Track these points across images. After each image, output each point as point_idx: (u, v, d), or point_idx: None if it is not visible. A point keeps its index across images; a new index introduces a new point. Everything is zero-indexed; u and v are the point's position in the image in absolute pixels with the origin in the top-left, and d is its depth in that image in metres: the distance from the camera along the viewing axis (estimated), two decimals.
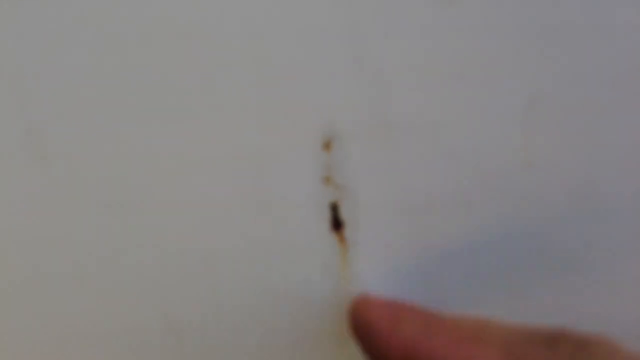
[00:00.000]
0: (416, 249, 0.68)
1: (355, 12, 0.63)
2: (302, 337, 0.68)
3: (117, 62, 0.62)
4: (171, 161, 0.64)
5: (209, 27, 0.63)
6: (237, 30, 0.63)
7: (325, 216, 0.66)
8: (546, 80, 0.67)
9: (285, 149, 0.65)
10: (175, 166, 0.64)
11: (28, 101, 0.61)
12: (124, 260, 0.64)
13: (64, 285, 0.64)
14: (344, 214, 0.67)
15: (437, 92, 0.66)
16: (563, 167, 0.70)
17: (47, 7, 0.60)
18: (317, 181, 0.66)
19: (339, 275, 0.67)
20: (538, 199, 0.70)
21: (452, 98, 0.66)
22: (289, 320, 0.67)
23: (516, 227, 0.70)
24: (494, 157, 0.68)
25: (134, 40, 0.62)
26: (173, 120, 0.63)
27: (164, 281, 0.65)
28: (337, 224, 0.67)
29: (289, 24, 0.63)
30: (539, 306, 0.71)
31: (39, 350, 0.65)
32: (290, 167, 0.65)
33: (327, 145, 0.66)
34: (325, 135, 0.65)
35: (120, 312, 0.65)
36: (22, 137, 0.62)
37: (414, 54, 0.65)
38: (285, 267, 0.66)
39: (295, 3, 0.63)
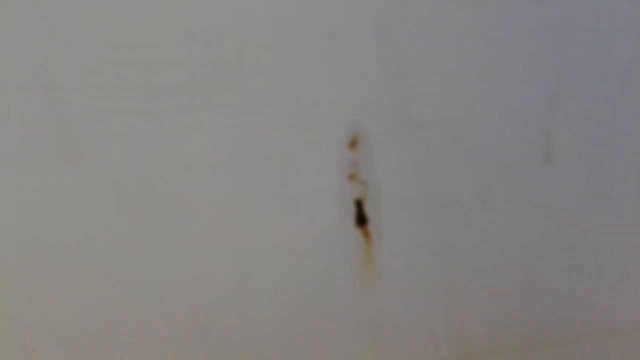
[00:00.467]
0: (437, 243, 0.70)
1: (381, 15, 0.65)
2: (327, 325, 0.70)
3: (147, 63, 0.64)
4: (200, 158, 0.66)
5: (239, 28, 0.65)
6: (267, 32, 0.65)
7: (351, 211, 0.69)
8: (565, 81, 0.69)
9: (312, 147, 0.67)
10: (204, 164, 0.66)
11: (60, 100, 0.64)
12: (151, 255, 0.66)
13: (92, 278, 0.66)
14: (369, 210, 0.69)
15: (460, 92, 0.68)
16: (581, 163, 0.72)
17: (78, 10, 0.62)
18: (343, 178, 0.68)
19: (362, 267, 0.69)
20: (556, 195, 0.72)
21: (474, 98, 0.68)
22: (315, 309, 0.69)
23: (534, 221, 0.72)
24: (514, 154, 0.70)
25: (162, 43, 0.64)
26: (203, 118, 0.65)
27: (191, 276, 0.67)
28: (361, 220, 0.69)
29: (317, 26, 0.65)
30: (553, 300, 0.73)
31: (69, 340, 0.67)
32: (318, 164, 0.67)
33: (353, 144, 0.68)
34: (352, 134, 0.67)
35: (146, 307, 0.67)
36: (53, 134, 0.64)
37: (438, 55, 0.67)
38: (312, 259, 0.68)
39: (324, 6, 0.64)
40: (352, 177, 0.68)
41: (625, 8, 0.70)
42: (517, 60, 0.68)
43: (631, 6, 0.71)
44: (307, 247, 0.68)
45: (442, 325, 0.71)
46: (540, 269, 0.72)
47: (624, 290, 0.73)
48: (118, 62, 0.64)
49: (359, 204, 0.69)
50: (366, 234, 0.69)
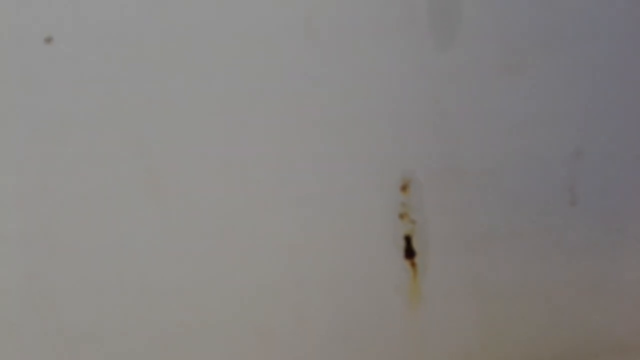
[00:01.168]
0: (474, 274, 0.82)
1: (434, 81, 0.76)
2: (378, 341, 0.81)
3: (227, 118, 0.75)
4: (269, 199, 0.77)
5: (318, 84, 0.76)
6: (331, 89, 0.76)
7: (401, 245, 0.80)
8: (588, 137, 0.80)
9: (369, 190, 0.78)
10: (273, 204, 0.77)
11: (148, 147, 0.74)
12: (226, 281, 0.78)
13: (171, 300, 0.77)
14: (416, 245, 0.80)
15: (498, 145, 0.79)
16: (605, 206, 0.82)
17: (159, 64, 0.73)
18: (395, 217, 0.79)
19: (409, 294, 0.80)
20: (581, 233, 0.83)
21: (510, 150, 0.79)
22: (368, 328, 0.81)
23: (560, 255, 0.83)
24: (544, 197, 0.81)
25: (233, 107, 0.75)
26: (273, 165, 0.76)
27: (257, 301, 0.78)
28: (409, 253, 0.80)
29: (381, 88, 0.76)
30: (575, 321, 0.84)
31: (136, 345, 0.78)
32: (374, 204, 0.78)
33: (404, 188, 0.79)
34: (403, 179, 0.78)
35: (215, 324, 0.78)
36: (142, 176, 0.74)
37: (480, 113, 0.78)
38: (366, 287, 0.79)
39: (383, 72, 0.75)
40: (402, 216, 0.79)
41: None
42: (547, 119, 0.79)
43: None
44: (363, 275, 0.79)
45: (475, 345, 0.82)
46: (564, 297, 0.83)
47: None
48: (195, 119, 0.75)
49: (408, 240, 0.80)
50: (413, 265, 0.80)
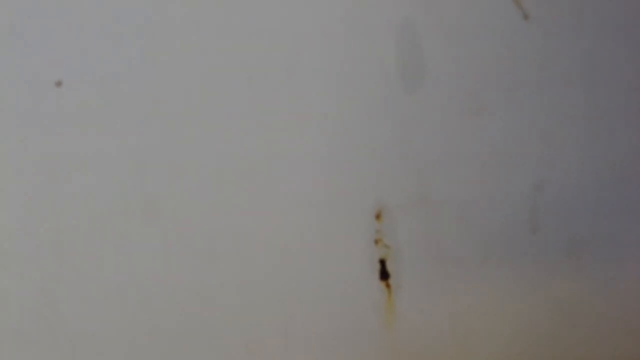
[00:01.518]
0: (445, 293, 0.90)
1: (404, 120, 0.85)
2: (356, 356, 0.90)
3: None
4: (250, 227, 0.86)
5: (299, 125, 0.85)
6: (315, 126, 0.85)
7: (376, 268, 0.88)
8: (547, 172, 0.88)
9: (346, 218, 0.87)
10: (257, 231, 0.86)
11: (148, 178, 0.82)
12: (218, 298, 0.87)
13: (169, 317, 0.86)
14: (390, 267, 0.89)
15: (464, 177, 0.88)
16: (565, 231, 0.91)
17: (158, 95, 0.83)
18: (371, 242, 0.88)
19: (385, 313, 0.89)
20: (541, 256, 0.91)
21: (475, 182, 0.88)
22: (346, 344, 0.89)
23: (523, 277, 0.91)
24: (506, 226, 0.89)
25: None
26: (263, 195, 0.85)
27: (246, 317, 0.87)
28: (384, 275, 0.89)
29: (357, 126, 0.85)
30: (545, 350, 0.93)
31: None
32: (351, 231, 0.87)
33: (378, 216, 0.87)
34: (377, 208, 0.87)
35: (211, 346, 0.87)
36: (142, 205, 0.83)
37: (447, 149, 0.87)
38: (343, 306, 0.88)
39: (360, 112, 0.85)
40: (377, 241, 0.88)
41: (607, 105, 0.90)
42: (509, 155, 0.88)
43: (612, 102, 0.90)
44: (341, 295, 0.88)
45: (448, 356, 0.90)
46: (526, 313, 0.91)
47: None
48: (198, 152, 0.84)
49: (382, 263, 0.89)
50: (388, 286, 0.89)
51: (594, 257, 0.92)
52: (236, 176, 0.84)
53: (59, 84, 0.78)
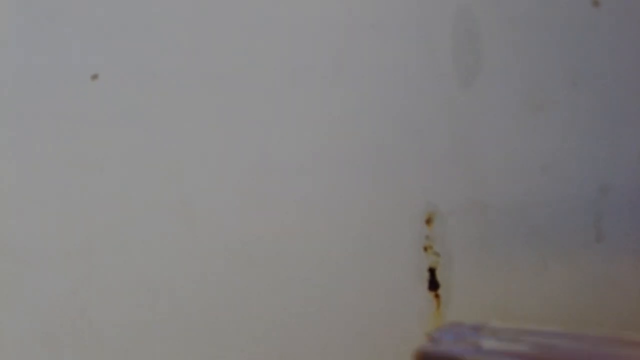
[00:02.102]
0: (498, 306, 0.83)
1: (459, 117, 0.78)
2: None
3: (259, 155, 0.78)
4: (292, 232, 0.80)
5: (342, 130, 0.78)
6: (361, 125, 0.78)
7: (425, 277, 0.81)
8: (613, 173, 0.80)
9: (393, 223, 0.80)
10: (298, 234, 0.80)
11: (184, 180, 0.78)
12: (253, 306, 0.80)
13: (199, 318, 0.80)
14: (440, 277, 0.81)
15: (522, 181, 0.80)
16: (631, 242, 0.83)
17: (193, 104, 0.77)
18: (419, 249, 0.80)
19: (433, 326, 0.82)
20: (606, 267, 0.83)
21: (535, 186, 0.80)
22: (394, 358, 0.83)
23: (586, 288, 0.83)
24: (569, 234, 0.82)
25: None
26: (297, 191, 0.79)
27: (282, 326, 0.81)
28: (433, 285, 0.81)
29: (407, 124, 0.78)
30: None
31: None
32: (398, 237, 0.80)
33: (428, 221, 0.80)
34: (428, 213, 0.80)
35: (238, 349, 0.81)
36: (177, 206, 0.78)
37: (505, 149, 0.79)
38: (390, 317, 0.81)
39: (410, 113, 0.77)
40: (426, 248, 0.81)
41: None
42: (572, 155, 0.80)
43: None
44: (385, 306, 0.81)
45: None
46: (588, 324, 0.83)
47: None
48: (230, 150, 0.78)
49: (432, 272, 0.81)
50: (437, 297, 0.82)
51: None
52: (276, 176, 0.78)
53: (95, 77, 0.75)
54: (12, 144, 0.74)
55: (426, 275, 0.81)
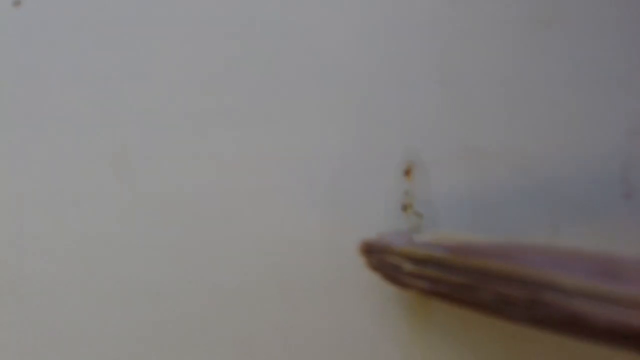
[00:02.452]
0: None
1: (445, 38, 0.60)
2: (384, 349, 0.66)
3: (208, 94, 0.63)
4: (249, 187, 0.63)
5: (298, 55, 0.62)
6: (325, 58, 0.62)
7: None
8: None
9: (366, 175, 0.63)
10: (259, 194, 0.63)
11: (118, 128, 0.64)
12: (205, 270, 0.64)
13: (144, 285, 0.65)
14: None
15: (528, 119, 0.62)
16: None
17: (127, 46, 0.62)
18: (397, 209, 0.63)
19: (417, 307, 0.65)
20: (636, 231, 0.65)
21: (546, 125, 0.62)
22: (369, 331, 0.66)
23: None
24: (588, 188, 0.64)
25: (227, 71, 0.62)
26: (252, 141, 0.63)
27: (239, 297, 0.65)
28: None
29: (377, 47, 0.61)
30: None
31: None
32: (370, 194, 0.63)
33: (408, 172, 0.63)
34: (407, 161, 0.63)
35: (202, 318, 0.65)
36: (111, 157, 0.64)
37: (505, 77, 0.62)
38: (364, 289, 0.64)
39: (385, 29, 0.60)
40: (406, 207, 0.64)
41: None
42: (589, 84, 0.62)
43: None
44: (357, 274, 0.64)
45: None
46: None
47: None
48: (178, 96, 0.63)
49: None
50: None
51: None
52: (228, 120, 0.62)
53: (17, 3, 0.65)
54: None
55: None
